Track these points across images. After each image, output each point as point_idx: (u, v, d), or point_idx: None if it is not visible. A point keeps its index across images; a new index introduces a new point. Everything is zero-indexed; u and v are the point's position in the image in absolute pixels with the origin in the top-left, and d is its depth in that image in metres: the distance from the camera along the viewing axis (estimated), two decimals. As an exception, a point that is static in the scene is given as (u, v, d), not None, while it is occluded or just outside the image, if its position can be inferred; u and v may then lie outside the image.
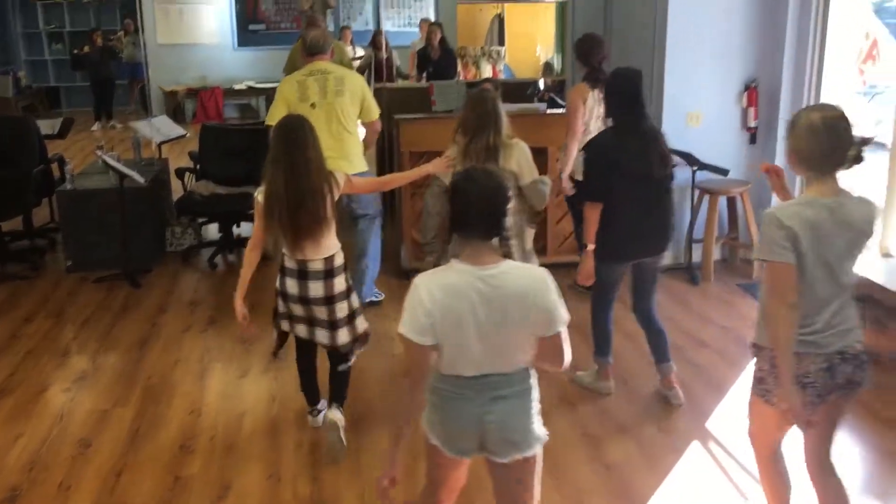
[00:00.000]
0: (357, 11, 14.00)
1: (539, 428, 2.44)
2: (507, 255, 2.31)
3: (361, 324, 3.68)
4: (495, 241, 2.29)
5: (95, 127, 12.77)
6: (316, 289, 3.51)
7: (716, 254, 5.85)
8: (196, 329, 5.07)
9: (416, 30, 11.13)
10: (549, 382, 4.25)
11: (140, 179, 5.74)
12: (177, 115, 12.79)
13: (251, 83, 13.56)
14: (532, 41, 7.81)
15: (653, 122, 3.97)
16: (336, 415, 3.66)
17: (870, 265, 4.54)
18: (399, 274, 5.76)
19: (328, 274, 3.51)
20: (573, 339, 4.87)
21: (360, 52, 11.42)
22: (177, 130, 7.47)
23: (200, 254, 6.48)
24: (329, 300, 3.53)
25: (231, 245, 6.45)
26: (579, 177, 4.62)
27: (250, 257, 3.57)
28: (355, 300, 3.66)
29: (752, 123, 5.77)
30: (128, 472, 3.54)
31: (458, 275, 2.26)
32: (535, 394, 2.43)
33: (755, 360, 2.70)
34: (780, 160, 5.58)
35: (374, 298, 5.33)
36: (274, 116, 4.74)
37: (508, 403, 2.35)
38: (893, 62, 4.81)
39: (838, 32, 5.28)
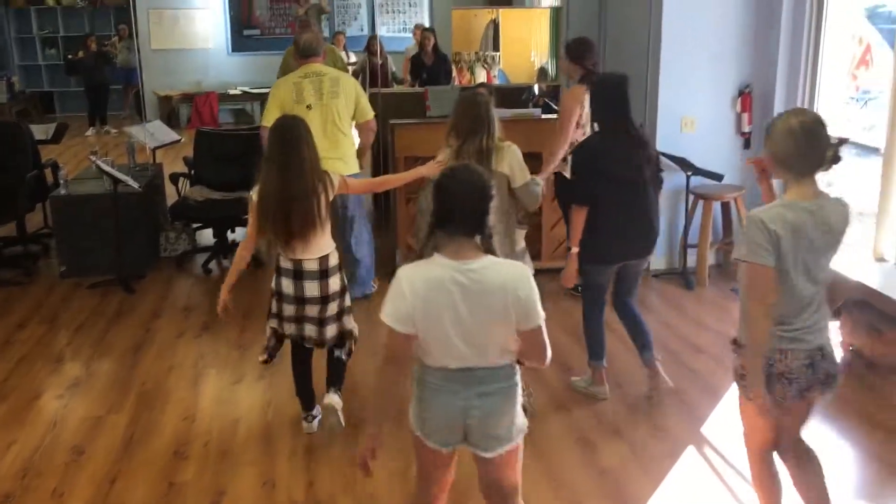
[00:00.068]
0: (352, 17, 14.01)
1: (521, 419, 2.52)
2: (490, 251, 2.39)
3: (349, 322, 3.76)
4: (478, 238, 2.35)
5: (89, 132, 12.74)
6: (311, 289, 3.55)
7: (710, 259, 5.87)
8: (190, 335, 5.05)
9: (411, 35, 11.15)
10: (544, 387, 4.26)
11: (134, 185, 5.73)
12: (171, 120, 12.76)
13: (246, 88, 13.54)
14: (527, 47, 7.81)
15: (639, 127, 3.99)
16: (334, 398, 3.77)
17: (864, 270, 4.55)
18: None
19: (323, 274, 3.55)
20: (569, 343, 4.91)
21: (354, 57, 11.42)
22: (171, 136, 7.46)
23: (195, 259, 6.46)
24: (324, 300, 3.58)
25: (225, 250, 6.43)
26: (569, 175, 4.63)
27: (242, 254, 3.62)
28: (347, 299, 3.74)
29: (747, 129, 5.78)
30: (122, 478, 3.53)
31: (440, 268, 2.32)
32: (519, 389, 2.50)
33: (735, 356, 2.74)
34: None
35: (367, 292, 5.41)
36: (268, 118, 4.77)
37: (493, 400, 2.42)
38: (886, 68, 4.82)
39: (832, 38, 5.30)
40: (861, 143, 5.19)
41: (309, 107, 4.85)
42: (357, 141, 5.30)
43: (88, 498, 3.40)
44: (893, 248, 4.66)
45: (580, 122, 4.91)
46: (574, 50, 4.92)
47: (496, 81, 7.60)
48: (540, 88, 7.46)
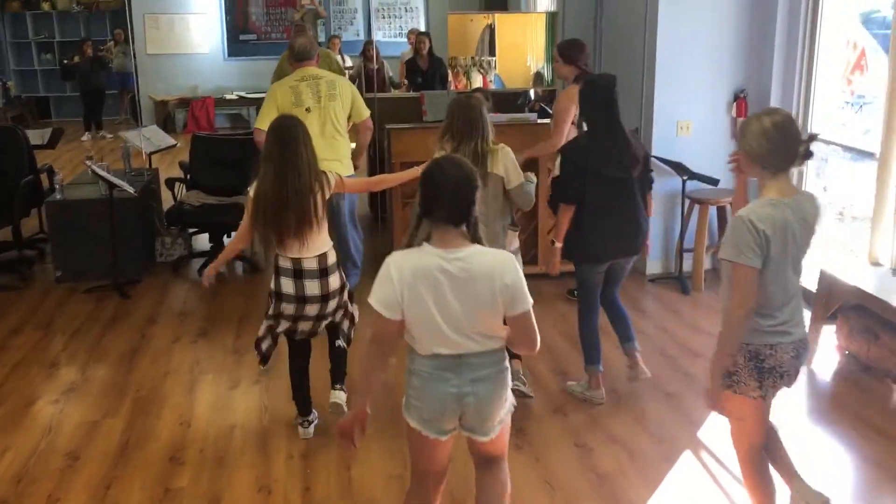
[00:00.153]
0: (348, 21, 14.02)
1: (510, 399, 2.62)
2: (477, 240, 2.46)
3: (341, 316, 3.81)
4: (464, 227, 2.42)
5: (85, 137, 12.71)
6: (312, 287, 3.58)
7: (706, 263, 5.87)
8: (186, 340, 5.04)
9: (407, 40, 11.16)
10: (541, 391, 4.26)
11: (130, 190, 5.72)
12: (167, 125, 12.76)
13: (242, 93, 13.55)
14: (523, 51, 7.82)
15: (634, 131, 4.03)
16: (340, 395, 3.83)
17: (860, 274, 4.56)
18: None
19: (323, 273, 3.59)
20: (565, 347, 4.92)
21: (350, 61, 11.44)
22: (167, 140, 7.45)
23: (190, 264, 6.45)
24: (324, 298, 3.62)
25: (221, 255, 6.42)
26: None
27: (234, 244, 3.72)
28: (346, 294, 3.79)
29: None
30: (117, 484, 3.51)
31: (428, 257, 2.39)
32: (509, 374, 2.60)
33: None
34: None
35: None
36: (263, 120, 4.78)
37: (486, 386, 2.50)
38: (881, 73, 4.84)
39: (826, 43, 5.32)
40: (856, 147, 5.21)
41: (308, 109, 4.90)
42: (352, 143, 5.33)
43: (84, 503, 3.39)
44: (889, 252, 4.67)
45: (575, 121, 4.94)
46: (567, 51, 4.98)
47: (492, 86, 7.61)
48: (536, 93, 7.47)
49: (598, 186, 3.85)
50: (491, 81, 7.96)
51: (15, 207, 6.14)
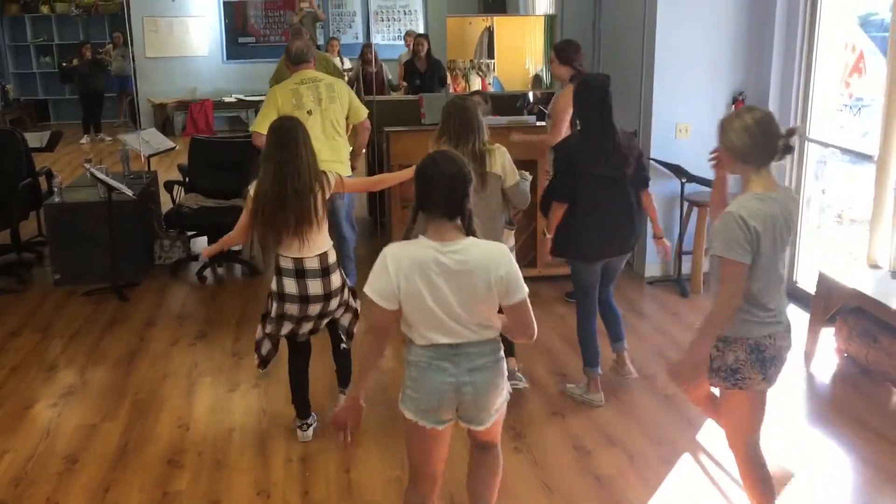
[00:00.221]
0: (347, 24, 14.03)
1: (507, 388, 2.67)
2: (472, 233, 2.51)
3: (342, 314, 3.83)
4: (458, 220, 2.47)
5: (84, 140, 12.71)
6: (315, 287, 3.59)
7: (705, 266, 5.86)
8: (184, 343, 5.04)
9: (404, 42, 11.17)
10: (540, 394, 4.26)
11: (129, 192, 5.72)
12: (166, 127, 12.75)
13: (241, 96, 13.55)
14: (521, 54, 7.82)
15: (633, 133, 4.05)
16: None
17: (858, 277, 4.56)
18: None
19: (325, 272, 3.61)
20: (563, 350, 4.91)
21: (349, 64, 11.45)
22: (166, 143, 7.45)
23: (189, 267, 6.45)
24: (326, 297, 3.64)
25: (220, 259, 6.42)
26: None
27: (232, 236, 3.73)
28: (346, 293, 3.82)
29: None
30: (115, 487, 3.51)
31: (424, 249, 2.44)
32: (505, 363, 2.64)
33: (720, 353, 2.79)
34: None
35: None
36: (262, 123, 4.78)
37: (483, 375, 2.54)
38: (879, 75, 4.84)
39: (825, 45, 5.32)
40: (855, 150, 5.21)
41: (309, 112, 4.95)
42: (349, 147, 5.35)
43: (82, 507, 3.38)
44: (887, 254, 4.67)
45: (573, 121, 4.96)
46: (563, 51, 5.01)
47: (491, 89, 7.61)
48: (535, 96, 7.48)
49: (590, 185, 3.90)
50: (490, 84, 7.97)
51: (13, 210, 6.13)
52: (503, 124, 5.64)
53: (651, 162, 5.65)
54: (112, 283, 5.78)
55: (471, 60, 7.89)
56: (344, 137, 5.18)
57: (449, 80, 8.07)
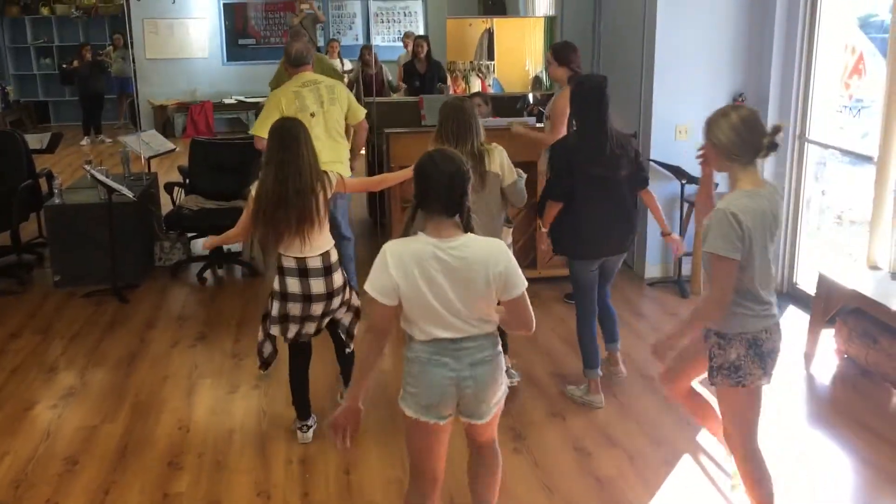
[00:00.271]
0: (347, 26, 14.04)
1: (505, 382, 2.70)
2: (470, 229, 2.54)
3: (344, 314, 3.84)
4: (457, 217, 2.50)
5: (84, 142, 12.71)
6: (317, 286, 3.61)
7: (705, 267, 5.86)
8: (185, 344, 5.04)
9: (403, 44, 11.18)
10: (540, 396, 4.26)
11: (129, 194, 5.72)
12: (166, 129, 12.76)
13: (241, 97, 13.55)
14: (521, 56, 7.83)
15: (632, 135, 4.06)
16: None
17: (858, 278, 4.56)
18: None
19: (327, 270, 3.63)
20: (563, 351, 4.91)
21: (349, 65, 11.45)
22: (166, 145, 7.46)
23: (189, 269, 6.45)
24: (329, 296, 3.65)
25: (220, 260, 6.43)
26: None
27: (231, 233, 3.76)
28: (348, 291, 3.83)
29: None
30: (115, 489, 3.51)
31: (422, 245, 2.48)
32: (503, 357, 2.68)
33: (722, 350, 2.82)
34: (769, 172, 5.61)
35: None
36: (263, 127, 4.78)
37: (484, 369, 2.57)
38: (879, 77, 4.84)
39: (824, 47, 5.33)
40: (854, 151, 5.21)
41: (312, 114, 4.97)
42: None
43: (82, 509, 3.38)
44: (887, 255, 4.67)
45: (570, 121, 4.97)
46: (560, 53, 5.01)
47: (491, 90, 7.62)
48: (534, 97, 7.48)
49: (587, 185, 3.93)
50: (490, 85, 7.97)
51: (14, 212, 6.13)
52: (503, 126, 5.64)
53: (651, 163, 5.66)
54: (112, 285, 5.79)
55: (471, 62, 7.89)
56: (344, 139, 5.21)
57: (449, 82, 8.08)
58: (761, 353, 2.78)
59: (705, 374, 3.06)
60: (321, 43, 12.86)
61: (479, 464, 2.88)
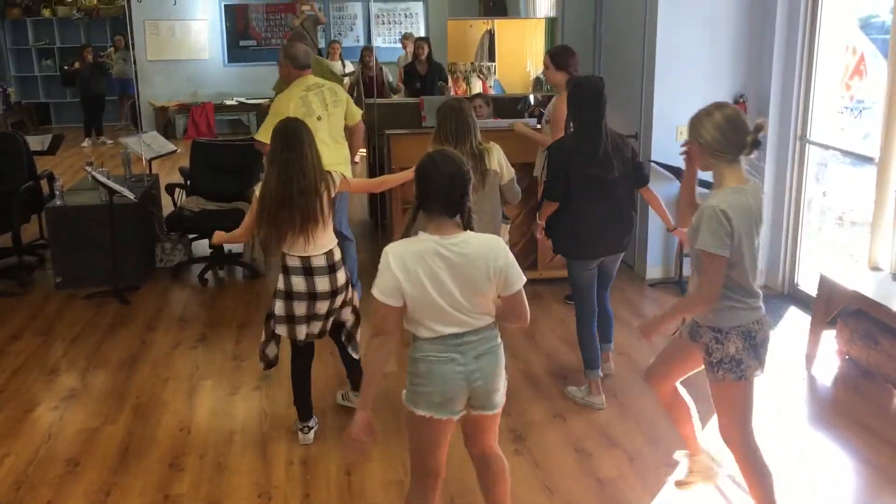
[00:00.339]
0: (348, 27, 14.05)
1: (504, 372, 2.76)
2: (470, 227, 2.59)
3: (348, 314, 3.87)
4: (458, 217, 2.55)
5: (85, 143, 12.73)
6: (322, 284, 3.64)
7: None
8: (186, 346, 5.04)
9: (401, 45, 11.17)
10: (541, 397, 4.26)
11: (130, 196, 5.72)
12: (167, 131, 12.77)
13: (242, 99, 13.57)
14: (522, 57, 7.83)
15: (633, 136, 4.07)
16: None
17: (859, 279, 4.55)
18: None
19: (331, 269, 3.67)
20: (564, 351, 4.91)
21: (351, 67, 11.46)
22: (167, 146, 7.47)
23: (190, 270, 6.45)
24: (333, 293, 3.69)
25: (221, 261, 6.43)
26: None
27: (236, 232, 3.81)
28: (349, 289, 3.86)
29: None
30: (116, 491, 3.51)
31: (424, 243, 2.52)
32: (502, 347, 2.73)
33: (720, 345, 2.85)
34: (770, 173, 5.61)
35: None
36: (268, 132, 4.79)
37: (489, 360, 2.63)
38: (880, 78, 4.84)
39: (825, 47, 5.32)
40: (855, 152, 5.21)
41: (319, 118, 5.00)
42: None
43: (83, 510, 3.38)
44: (888, 256, 4.67)
45: (567, 123, 4.98)
46: (558, 57, 5.00)
47: (492, 92, 7.62)
48: (535, 98, 7.48)
49: (585, 185, 3.95)
50: (491, 87, 7.98)
51: (15, 213, 6.14)
52: (504, 127, 5.64)
53: (651, 164, 5.65)
54: (113, 287, 5.79)
55: (472, 63, 7.90)
56: (345, 140, 5.26)
57: (450, 83, 8.08)
58: (755, 343, 2.84)
59: (688, 375, 3.16)
60: (322, 44, 12.86)
61: (484, 473, 2.88)
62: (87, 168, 6.03)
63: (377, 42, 13.15)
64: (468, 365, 2.58)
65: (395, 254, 2.51)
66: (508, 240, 4.29)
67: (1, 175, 6.20)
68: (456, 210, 2.53)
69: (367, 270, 5.76)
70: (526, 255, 5.82)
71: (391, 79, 10.22)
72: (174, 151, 7.56)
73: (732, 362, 2.84)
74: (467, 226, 2.57)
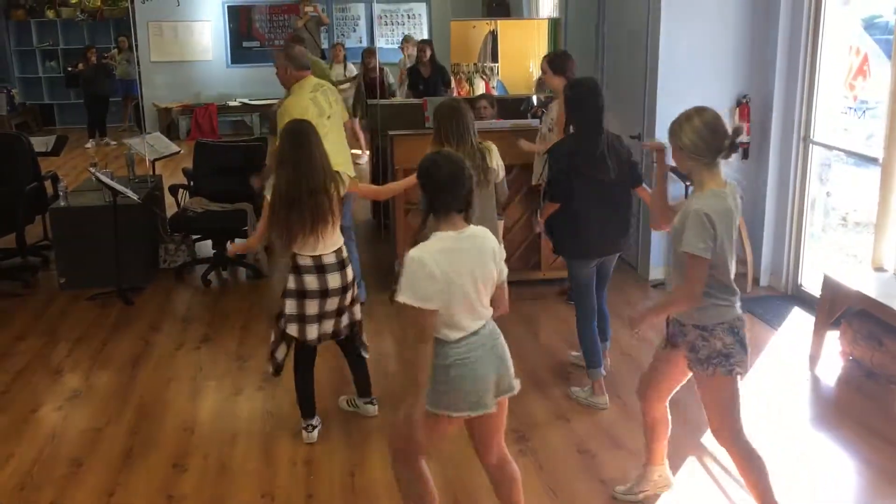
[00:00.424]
0: (350, 29, 14.05)
1: None
2: (470, 222, 2.70)
3: (357, 312, 3.92)
4: (463, 213, 2.66)
5: (89, 144, 12.75)
6: (334, 280, 3.70)
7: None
8: (189, 346, 5.05)
9: (400, 49, 11.15)
10: (544, 397, 4.26)
11: (134, 197, 5.73)
12: (171, 132, 12.78)
13: (245, 100, 13.58)
14: (525, 58, 7.85)
15: (610, 131, 4.11)
16: (370, 410, 4.02)
17: (863, 279, 4.55)
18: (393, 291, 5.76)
19: (341, 265, 3.74)
20: (564, 350, 4.90)
21: (354, 69, 11.46)
22: (170, 147, 7.48)
23: (194, 271, 6.46)
24: (344, 289, 3.75)
25: (225, 262, 6.44)
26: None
27: (252, 239, 3.97)
28: (356, 287, 3.92)
29: (745, 139, 5.79)
30: (120, 491, 3.52)
31: (446, 242, 2.62)
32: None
33: (706, 342, 2.89)
34: (773, 174, 5.61)
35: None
36: None
37: (500, 344, 2.77)
38: (884, 78, 4.83)
39: (829, 48, 5.32)
40: (859, 152, 5.20)
41: (329, 118, 5.06)
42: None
43: (87, 510, 3.39)
44: (892, 257, 4.66)
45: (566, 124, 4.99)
46: (556, 62, 5.01)
47: (495, 92, 7.63)
48: (538, 99, 7.48)
49: (583, 186, 3.98)
50: (494, 88, 7.99)
51: (19, 214, 6.15)
52: (507, 128, 5.64)
53: (653, 164, 5.64)
54: (117, 287, 5.80)
55: (475, 64, 7.91)
56: (345, 139, 5.35)
57: (453, 84, 8.09)
58: (740, 339, 2.90)
59: (676, 390, 3.19)
60: (325, 46, 12.87)
61: (498, 481, 2.94)
62: (91, 169, 6.04)
63: (380, 43, 13.15)
64: (494, 351, 2.71)
65: (431, 258, 2.56)
66: (501, 236, 4.38)
67: (5, 176, 6.21)
68: (464, 206, 2.64)
69: (368, 272, 5.79)
70: (528, 256, 5.81)
71: (391, 80, 10.22)
72: (177, 152, 7.58)
73: (721, 357, 2.88)
74: (468, 220, 2.68)
